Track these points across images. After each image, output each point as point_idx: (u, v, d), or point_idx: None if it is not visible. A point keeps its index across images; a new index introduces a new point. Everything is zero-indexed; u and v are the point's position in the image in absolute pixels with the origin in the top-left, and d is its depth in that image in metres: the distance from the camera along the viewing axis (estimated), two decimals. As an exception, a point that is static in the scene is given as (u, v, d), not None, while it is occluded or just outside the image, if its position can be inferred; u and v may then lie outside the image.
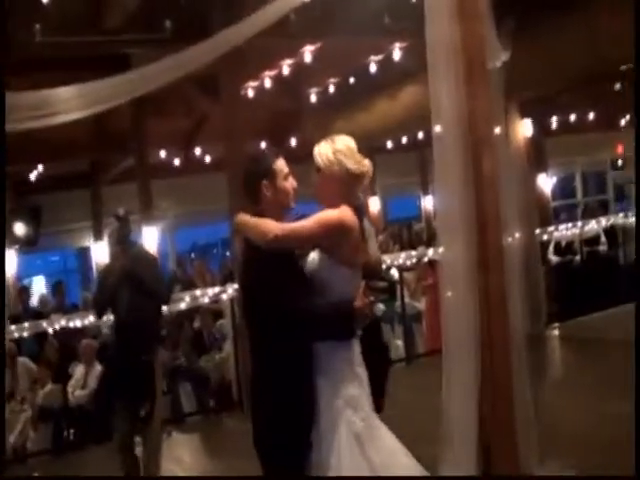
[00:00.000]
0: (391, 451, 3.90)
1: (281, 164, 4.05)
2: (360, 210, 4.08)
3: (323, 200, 4.06)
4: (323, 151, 4.00)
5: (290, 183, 4.04)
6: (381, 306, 8.98)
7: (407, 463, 3.93)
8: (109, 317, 7.50)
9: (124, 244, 6.95)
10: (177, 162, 14.24)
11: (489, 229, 5.34)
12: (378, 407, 4.18)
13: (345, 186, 3.99)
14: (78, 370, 10.15)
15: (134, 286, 6.72)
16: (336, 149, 3.97)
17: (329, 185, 4.00)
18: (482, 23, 4.96)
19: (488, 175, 5.17)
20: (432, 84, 5.02)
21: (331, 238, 3.90)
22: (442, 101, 4.99)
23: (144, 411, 6.88)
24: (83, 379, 10.04)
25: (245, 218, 3.97)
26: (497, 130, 5.27)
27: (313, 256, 3.99)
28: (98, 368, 10.04)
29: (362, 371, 3.97)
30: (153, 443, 7.04)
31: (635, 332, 5.55)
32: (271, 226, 3.87)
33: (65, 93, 7.53)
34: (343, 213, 3.94)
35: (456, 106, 4.96)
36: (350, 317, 3.89)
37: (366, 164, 4.02)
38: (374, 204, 17.82)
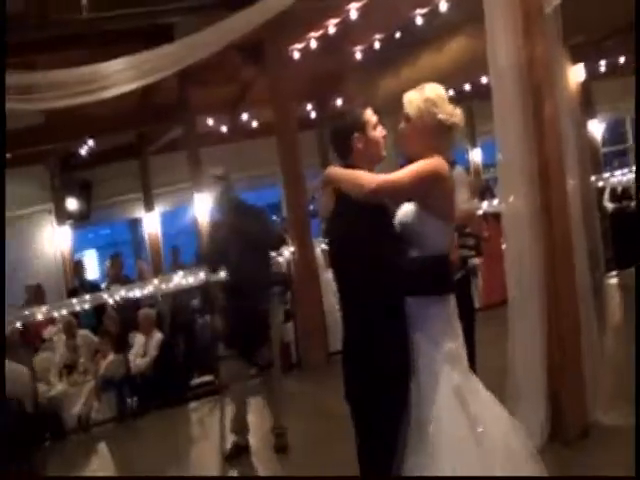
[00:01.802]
0: (487, 403, 3.86)
1: (370, 114, 3.96)
2: (451, 161, 3.98)
3: (411, 150, 3.93)
4: (413, 99, 3.85)
5: (380, 132, 3.95)
6: (475, 260, 8.94)
7: (501, 414, 3.90)
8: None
9: (228, 201, 7.11)
10: (225, 129, 14.24)
11: (552, 174, 5.29)
12: (471, 362, 4.12)
13: (435, 136, 3.84)
14: (138, 339, 10.33)
15: (245, 239, 6.86)
16: (426, 97, 3.81)
17: (418, 135, 3.86)
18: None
19: (549, 120, 5.10)
20: (489, 32, 4.94)
21: (427, 189, 3.77)
22: (499, 49, 4.93)
23: (264, 358, 7.03)
24: (143, 348, 10.21)
25: (338, 170, 3.89)
26: (555, 76, 5.18)
27: (406, 209, 3.87)
28: (158, 336, 10.22)
29: (458, 325, 3.89)
30: (276, 388, 7.24)
31: (635, 332, 5.50)
32: (368, 178, 3.76)
33: (113, 67, 7.59)
34: (438, 163, 3.79)
35: (514, 54, 4.90)
36: (447, 271, 3.86)
37: (458, 114, 3.85)
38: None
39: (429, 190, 3.78)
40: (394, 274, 3.79)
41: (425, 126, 3.83)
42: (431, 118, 3.81)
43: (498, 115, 5.20)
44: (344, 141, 3.97)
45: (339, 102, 13.10)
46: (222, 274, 7.52)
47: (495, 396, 3.95)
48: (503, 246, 6.05)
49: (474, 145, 18.28)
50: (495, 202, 10.54)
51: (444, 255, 3.85)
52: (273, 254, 8.07)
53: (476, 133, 17.38)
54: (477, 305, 11.64)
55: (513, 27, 4.85)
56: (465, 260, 6.02)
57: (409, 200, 3.86)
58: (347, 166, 3.93)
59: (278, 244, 7.95)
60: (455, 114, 3.84)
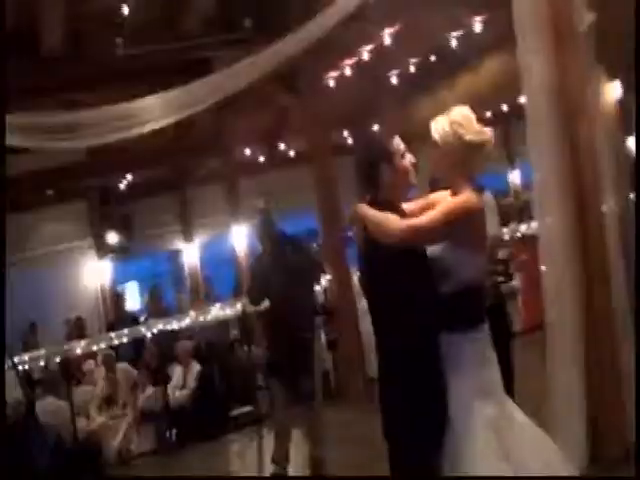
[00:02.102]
0: (525, 430, 3.77)
1: (397, 142, 3.90)
2: (481, 185, 3.91)
3: (444, 175, 3.90)
4: (439, 123, 3.80)
5: (408, 160, 3.88)
6: (515, 283, 8.81)
7: (541, 439, 3.81)
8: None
9: (269, 233, 7.14)
10: (262, 159, 14.33)
11: (587, 197, 5.23)
12: (508, 387, 4.09)
13: (465, 158, 3.77)
14: (177, 371, 10.33)
15: (288, 271, 6.88)
16: (452, 120, 3.75)
17: (447, 158, 3.80)
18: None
19: (584, 141, 5.05)
20: (521, 55, 4.92)
21: (459, 229, 3.68)
22: (532, 69, 4.89)
23: (307, 389, 7.01)
24: (182, 380, 10.21)
25: (366, 211, 3.79)
26: (589, 94, 5.13)
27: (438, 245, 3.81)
28: (196, 367, 10.22)
29: (491, 353, 3.82)
30: (317, 418, 7.16)
31: (634, 333, 5.39)
32: (395, 225, 3.68)
33: (149, 102, 7.68)
34: (467, 200, 3.73)
35: (547, 73, 4.87)
36: (480, 303, 3.79)
37: (486, 133, 3.79)
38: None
39: (462, 228, 3.69)
40: (427, 314, 3.73)
41: (454, 149, 3.77)
42: (458, 140, 3.74)
43: (532, 136, 5.14)
44: (371, 173, 3.90)
45: (376, 127, 13.12)
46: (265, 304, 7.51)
47: (535, 420, 3.85)
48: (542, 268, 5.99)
49: (512, 166, 18.16)
50: (533, 224, 10.45)
51: (477, 287, 3.78)
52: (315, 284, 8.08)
53: (514, 154, 17.30)
54: (517, 328, 11.55)
55: (545, 47, 4.82)
56: (497, 286, 5.99)
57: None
58: (374, 198, 3.88)
59: (320, 274, 7.95)
60: (483, 133, 3.78)
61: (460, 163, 3.79)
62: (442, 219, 3.67)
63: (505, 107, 13.01)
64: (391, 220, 3.71)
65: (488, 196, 5.96)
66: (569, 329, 5.50)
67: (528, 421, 3.82)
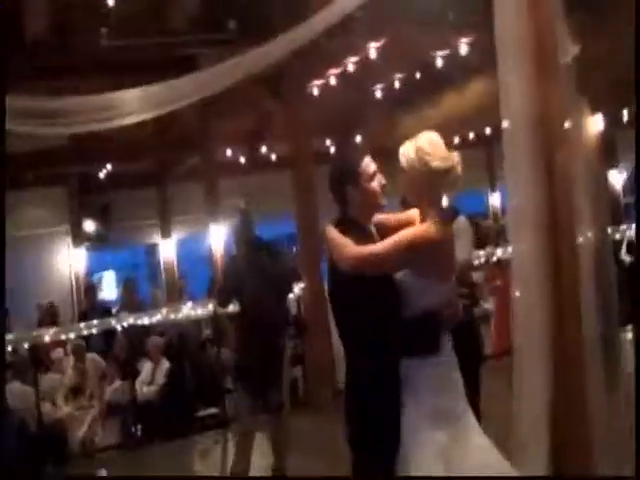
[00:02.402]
0: (484, 458, 3.78)
1: (366, 164, 3.91)
2: (449, 211, 3.92)
3: (412, 201, 3.92)
4: (405, 150, 3.82)
5: (377, 182, 3.89)
6: (488, 306, 8.82)
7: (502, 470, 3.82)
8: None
9: (247, 234, 7.07)
10: (243, 160, 14.31)
11: (562, 227, 5.21)
12: (474, 404, 4.10)
13: (430, 185, 3.78)
14: (146, 366, 10.29)
15: (262, 275, 6.81)
16: (418, 147, 3.77)
17: (414, 185, 3.82)
18: (553, 16, 4.82)
19: (561, 171, 5.04)
20: (502, 79, 4.90)
21: (412, 258, 3.71)
22: (512, 96, 4.87)
23: (275, 400, 6.95)
24: (151, 375, 10.16)
25: (330, 234, 3.82)
26: (569, 125, 5.12)
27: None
28: (166, 364, 10.17)
29: (450, 382, 3.83)
30: (283, 429, 7.05)
31: (634, 336, 5.40)
32: (347, 252, 3.71)
33: (132, 95, 7.64)
34: (426, 231, 3.74)
35: (527, 101, 4.84)
36: (436, 330, 3.78)
37: (451, 159, 3.78)
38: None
39: (416, 259, 3.72)
40: (382, 333, 3.75)
41: (419, 175, 3.78)
42: (424, 167, 3.75)
43: (509, 161, 5.12)
44: (338, 191, 3.94)
45: (358, 138, 13.17)
46: (233, 307, 7.47)
47: (501, 446, 3.90)
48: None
49: (493, 189, 18.21)
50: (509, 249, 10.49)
51: (436, 314, 3.78)
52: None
53: (496, 177, 17.35)
54: (488, 352, 11.57)
55: (527, 74, 4.80)
56: (467, 309, 5.98)
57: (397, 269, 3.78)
58: (342, 217, 3.92)
59: (293, 283, 7.86)
60: (449, 159, 3.77)
61: (426, 189, 3.81)
62: (394, 249, 3.70)
63: (488, 129, 13.04)
64: (346, 247, 3.73)
65: (462, 220, 6.00)
66: (537, 355, 5.49)
67: (489, 446, 3.85)
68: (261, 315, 6.82)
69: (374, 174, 3.91)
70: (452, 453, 3.70)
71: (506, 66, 4.90)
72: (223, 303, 7.49)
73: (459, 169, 3.81)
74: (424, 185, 3.80)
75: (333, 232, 3.83)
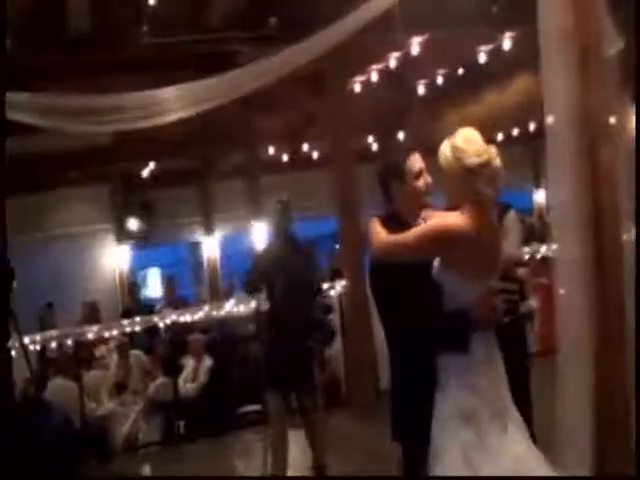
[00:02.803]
0: (518, 459, 3.72)
1: (412, 162, 3.92)
2: (487, 206, 3.80)
3: (450, 199, 3.89)
4: (442, 149, 3.79)
5: (423, 181, 3.90)
6: (532, 304, 8.74)
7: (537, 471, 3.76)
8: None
9: (284, 229, 7.06)
10: (285, 158, 14.32)
11: (607, 224, 5.13)
12: (522, 407, 4.03)
13: (466, 182, 3.72)
14: (188, 364, 10.33)
15: (287, 272, 6.79)
16: (453, 145, 3.74)
17: (451, 183, 3.79)
18: (597, 10, 4.74)
19: (605, 167, 4.96)
20: (545, 74, 4.83)
21: (438, 249, 3.71)
22: (556, 91, 4.80)
23: (310, 401, 6.94)
24: (193, 372, 10.21)
25: (371, 224, 3.87)
26: (614, 121, 5.03)
27: (435, 262, 3.82)
28: (208, 362, 10.21)
29: (481, 381, 3.78)
30: (319, 430, 7.05)
31: (635, 332, 5.28)
32: (376, 239, 3.78)
33: (173, 92, 7.65)
34: (448, 222, 3.72)
35: (570, 96, 4.76)
36: (463, 329, 3.73)
37: (487, 154, 3.73)
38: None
39: (441, 249, 3.71)
40: (416, 328, 3.76)
41: (457, 173, 3.73)
42: (459, 165, 3.71)
43: (552, 158, 5.06)
44: (384, 188, 3.97)
45: (401, 136, 13.09)
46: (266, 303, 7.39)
47: (544, 446, 3.87)
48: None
49: (538, 186, 17.94)
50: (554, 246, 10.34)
51: (463, 311, 3.74)
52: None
53: (540, 174, 17.08)
54: (533, 350, 11.40)
55: (569, 70, 4.73)
56: (514, 306, 5.90)
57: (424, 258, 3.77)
58: (388, 213, 3.95)
59: (320, 286, 7.73)
60: (482, 154, 3.71)
61: (464, 186, 3.75)
62: (418, 238, 3.71)
63: (532, 125, 12.87)
64: (376, 235, 3.79)
65: (512, 215, 5.95)
66: (581, 354, 5.42)
67: (525, 452, 3.77)
68: (287, 313, 6.78)
69: (420, 172, 3.91)
70: (475, 453, 3.68)
71: (549, 60, 4.83)
72: (249, 289, 7.46)
73: (496, 163, 3.75)
74: (462, 183, 3.75)
75: (373, 223, 3.86)
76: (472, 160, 3.69)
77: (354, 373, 10.04)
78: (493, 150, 3.77)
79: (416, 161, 3.92)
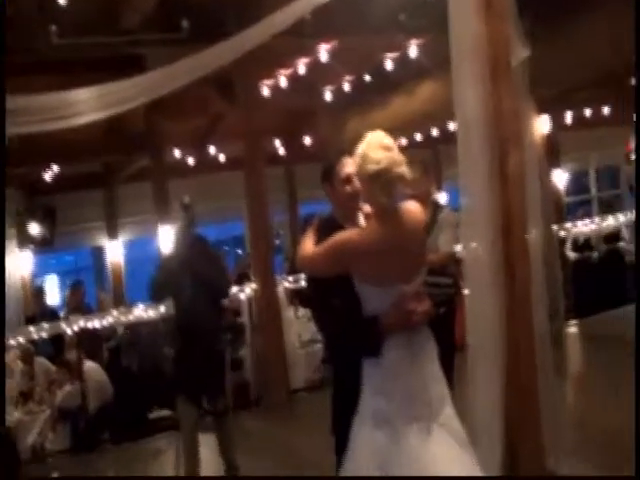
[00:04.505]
0: (435, 460, 3.78)
1: (341, 166, 3.94)
2: (389, 213, 3.84)
3: (364, 203, 3.93)
4: (353, 154, 3.85)
5: (352, 186, 3.91)
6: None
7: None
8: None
9: (188, 233, 7.00)
10: (192, 161, 14.24)
11: (514, 227, 5.33)
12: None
13: (369, 187, 3.78)
14: (97, 370, 10.18)
15: (196, 276, 6.74)
16: (359, 152, 3.79)
17: (360, 188, 3.86)
18: (507, 20, 4.92)
19: (514, 173, 5.15)
20: (456, 82, 4.98)
21: (338, 263, 3.78)
22: (466, 99, 4.97)
23: (221, 404, 6.90)
24: (102, 379, 10.07)
25: (309, 230, 3.97)
26: (520, 127, 5.24)
27: None
28: (116, 368, 10.09)
29: (395, 385, 3.82)
30: (230, 436, 7.05)
31: (635, 332, 5.54)
32: (299, 252, 3.91)
33: (82, 95, 7.54)
34: (345, 236, 3.79)
35: (481, 104, 4.94)
36: (374, 335, 3.78)
37: (385, 161, 3.74)
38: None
39: (341, 263, 3.78)
40: (332, 331, 3.93)
41: (361, 180, 3.82)
42: (362, 171, 3.78)
43: (463, 163, 5.22)
44: (322, 188, 4.04)
45: (308, 140, 13.19)
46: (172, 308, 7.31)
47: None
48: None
49: (439, 189, 18.33)
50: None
51: (374, 317, 3.80)
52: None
53: (443, 178, 17.48)
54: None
55: (480, 78, 4.90)
56: (447, 298, 6.08)
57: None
58: (331, 214, 4.04)
59: (228, 289, 7.72)
60: (379, 161, 3.74)
61: (366, 192, 3.83)
62: (321, 253, 3.80)
63: (437, 131, 13.19)
64: (303, 245, 3.89)
65: (446, 211, 6.16)
66: (489, 353, 5.58)
67: (445, 454, 3.85)
68: (196, 318, 6.75)
69: (347, 177, 3.92)
70: (388, 457, 3.75)
71: (460, 69, 4.99)
72: (156, 296, 7.42)
73: (398, 170, 3.78)
74: (364, 187, 3.82)
75: (308, 231, 3.95)
76: (370, 167, 3.74)
77: (264, 375, 10.09)
78: (396, 157, 3.80)
79: (345, 165, 3.94)
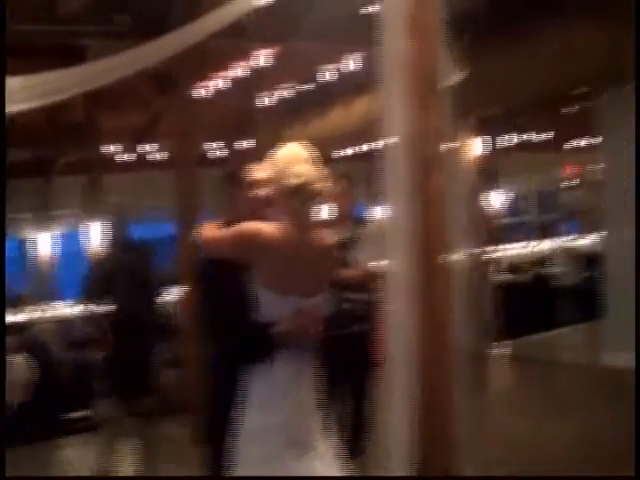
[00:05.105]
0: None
1: (251, 171, 3.90)
2: (303, 226, 3.81)
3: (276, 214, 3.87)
4: (269, 163, 3.82)
5: (260, 192, 3.87)
6: None
7: None
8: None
9: (121, 230, 6.90)
10: (128, 158, 14.07)
11: (434, 245, 5.32)
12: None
13: (287, 200, 3.75)
14: (11, 366, 9.94)
15: (129, 275, 6.65)
16: (277, 162, 3.77)
17: (275, 197, 3.82)
18: (435, 40, 4.91)
19: (436, 193, 5.14)
20: (383, 97, 4.96)
21: (247, 249, 3.69)
22: (392, 115, 4.94)
23: (145, 406, 6.79)
24: (16, 376, 9.84)
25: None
26: (447, 147, 5.24)
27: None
28: (34, 364, 9.87)
29: (283, 403, 3.75)
30: (153, 436, 7.05)
31: (635, 335, 5.57)
32: (204, 232, 3.86)
33: (15, 83, 7.38)
34: (263, 226, 3.72)
35: (406, 121, 4.91)
36: (264, 347, 3.70)
37: (303, 175, 3.73)
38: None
39: (252, 252, 3.70)
40: (222, 334, 3.80)
41: (280, 192, 3.78)
42: (282, 183, 3.75)
43: (387, 177, 5.20)
44: (226, 193, 4.00)
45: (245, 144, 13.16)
46: (106, 307, 7.26)
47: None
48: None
49: (374, 203, 18.43)
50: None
51: (266, 325, 3.72)
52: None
53: (376, 192, 17.55)
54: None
55: (407, 95, 4.88)
56: (364, 315, 6.05)
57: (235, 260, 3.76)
58: (229, 220, 3.93)
59: (159, 288, 7.65)
60: (299, 175, 3.73)
61: (287, 204, 3.79)
62: (231, 235, 3.74)
63: (371, 145, 13.26)
64: (206, 228, 3.87)
65: (371, 227, 6.26)
66: (403, 370, 5.58)
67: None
68: (130, 318, 6.69)
69: (257, 182, 3.89)
70: (273, 473, 3.69)
71: (389, 85, 4.96)
72: (89, 295, 7.28)
73: (318, 184, 3.78)
74: (286, 200, 3.77)
75: (217, 222, 3.89)
76: (290, 181, 3.71)
77: (187, 378, 9.96)
78: (316, 171, 3.77)
79: (255, 170, 3.91)
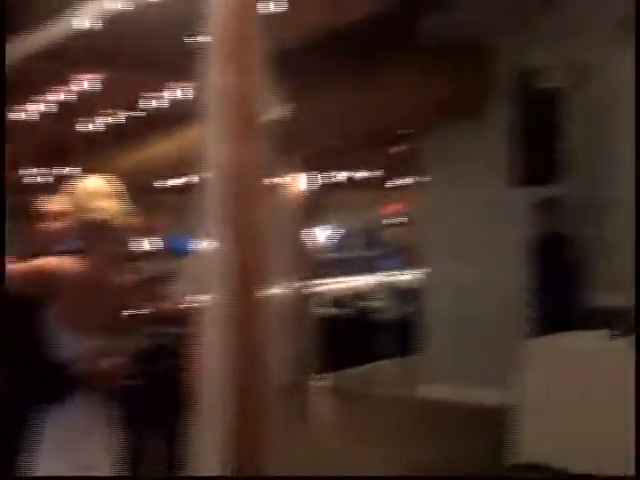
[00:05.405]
0: None
1: (45, 203, 3.83)
2: (109, 261, 3.72)
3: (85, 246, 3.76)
4: (70, 195, 3.71)
5: (53, 225, 3.82)
6: None
7: None
8: None
9: None
10: None
11: (252, 279, 5.30)
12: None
13: (89, 235, 3.68)
14: None
15: None
16: (73, 194, 3.68)
17: (75, 231, 3.72)
18: (255, 74, 4.94)
19: (254, 226, 5.14)
20: (203, 129, 4.94)
21: (39, 289, 3.58)
22: (211, 147, 4.92)
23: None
24: None
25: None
26: (266, 182, 5.26)
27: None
28: None
29: (83, 450, 3.65)
30: None
31: (636, 338, 5.69)
32: (12, 268, 3.64)
33: None
34: (66, 262, 3.61)
35: (223, 155, 4.90)
36: (60, 383, 3.60)
37: (105, 210, 3.67)
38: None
39: (48, 286, 3.60)
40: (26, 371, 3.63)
41: (81, 227, 3.71)
42: (83, 218, 3.70)
43: (207, 209, 5.16)
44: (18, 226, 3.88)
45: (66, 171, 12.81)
46: None
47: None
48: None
49: (194, 235, 18.37)
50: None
51: (62, 364, 3.62)
52: None
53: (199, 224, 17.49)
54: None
55: (224, 126, 4.87)
56: (175, 349, 5.93)
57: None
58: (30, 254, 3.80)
59: None
60: (105, 210, 3.68)
61: (87, 239, 3.74)
62: (28, 268, 3.63)
63: (192, 177, 13.26)
64: (14, 264, 3.66)
65: (188, 261, 6.04)
66: (217, 402, 5.52)
67: None
68: None
69: (48, 215, 3.78)
70: None
71: (207, 116, 4.94)
72: None
73: (119, 220, 3.75)
74: (87, 235, 3.69)
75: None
76: (92, 216, 3.66)
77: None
78: (119, 206, 3.73)
79: (49, 202, 3.78)
